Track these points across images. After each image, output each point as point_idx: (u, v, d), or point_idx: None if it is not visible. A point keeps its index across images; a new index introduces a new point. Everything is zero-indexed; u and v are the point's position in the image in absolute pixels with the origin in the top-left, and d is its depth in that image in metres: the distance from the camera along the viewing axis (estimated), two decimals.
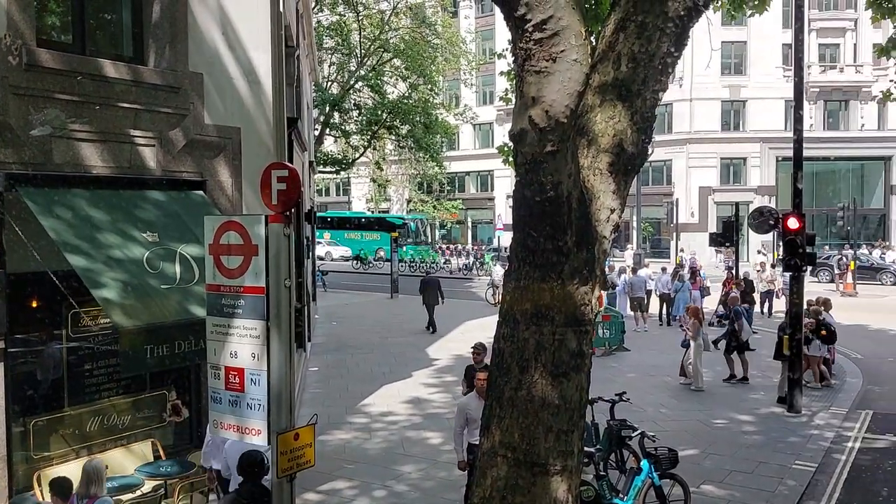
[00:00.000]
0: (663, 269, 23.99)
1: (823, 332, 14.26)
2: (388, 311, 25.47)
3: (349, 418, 12.08)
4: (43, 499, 6.80)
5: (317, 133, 30.92)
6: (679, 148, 46.70)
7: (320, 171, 34.20)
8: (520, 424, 4.42)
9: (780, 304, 22.05)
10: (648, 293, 22.23)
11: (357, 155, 36.67)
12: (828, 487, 9.30)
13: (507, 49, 7.10)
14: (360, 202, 62.08)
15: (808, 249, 12.92)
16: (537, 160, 4.03)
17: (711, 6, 10.06)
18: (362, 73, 32.98)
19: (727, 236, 21.74)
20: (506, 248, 31.65)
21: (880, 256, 37.83)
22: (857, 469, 10.00)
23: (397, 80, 34.97)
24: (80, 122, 7.30)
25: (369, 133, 34.19)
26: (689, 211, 45.46)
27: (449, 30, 37.65)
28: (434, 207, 55.59)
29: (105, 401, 8.01)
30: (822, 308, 15.14)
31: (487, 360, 8.27)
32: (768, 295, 23.85)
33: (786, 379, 12.98)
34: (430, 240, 55.23)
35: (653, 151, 5.18)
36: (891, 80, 13.79)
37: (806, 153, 13.30)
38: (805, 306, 13.87)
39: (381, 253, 44.64)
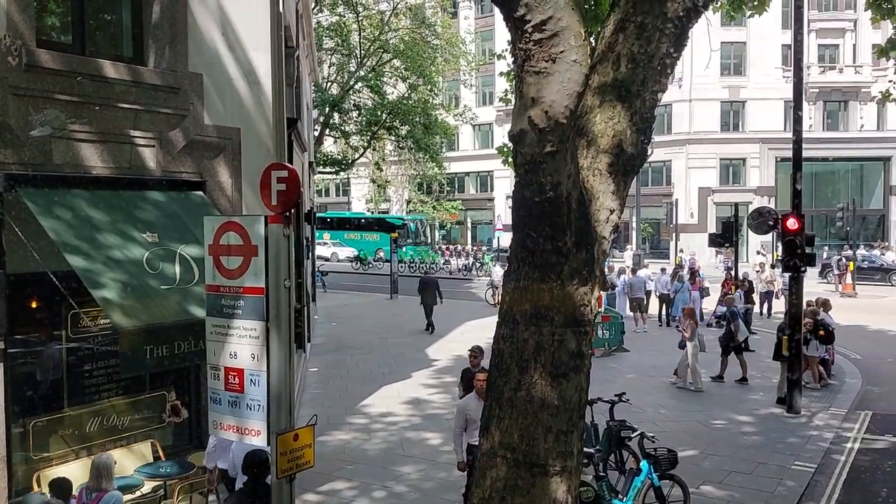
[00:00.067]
0: (663, 270, 23.99)
1: (821, 333, 14.27)
2: (388, 312, 25.46)
3: (349, 419, 12.08)
4: None
5: (316, 134, 30.92)
6: (678, 148, 46.71)
7: (320, 172, 34.20)
8: (519, 425, 4.42)
9: (779, 305, 22.07)
10: (648, 294, 22.23)
11: (357, 155, 36.68)
12: (827, 488, 9.31)
13: (506, 50, 7.12)
14: (359, 203, 62.08)
15: (808, 250, 12.94)
16: (537, 161, 4.04)
17: (711, 7, 10.07)
18: (362, 73, 32.99)
19: (726, 237, 21.74)
20: (505, 249, 31.65)
21: (880, 256, 37.83)
22: (857, 470, 10.00)
23: (397, 80, 34.97)
24: (79, 123, 7.30)
25: (369, 134, 34.19)
26: (688, 211, 45.49)
27: (448, 30, 37.65)
28: (434, 208, 55.59)
29: (105, 401, 8.01)
30: (822, 309, 15.15)
31: (484, 363, 8.30)
32: (768, 295, 23.87)
33: (785, 380, 12.98)
34: (429, 240, 55.23)
35: (652, 152, 5.19)
36: (890, 81, 13.81)
37: (805, 154, 13.31)
38: (805, 307, 13.88)
39: (381, 253, 44.66)
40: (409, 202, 58.08)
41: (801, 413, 12.49)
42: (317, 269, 27.56)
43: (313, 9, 26.78)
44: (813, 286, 26.08)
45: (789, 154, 13.46)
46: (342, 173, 41.97)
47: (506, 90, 15.33)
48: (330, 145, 41.37)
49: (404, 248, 43.84)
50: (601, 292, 4.67)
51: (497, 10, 4.36)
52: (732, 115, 47.47)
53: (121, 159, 7.70)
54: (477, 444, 5.29)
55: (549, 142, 3.95)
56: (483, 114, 51.46)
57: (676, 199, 42.45)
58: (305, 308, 15.94)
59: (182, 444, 8.63)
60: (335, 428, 11.49)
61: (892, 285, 33.46)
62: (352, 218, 53.60)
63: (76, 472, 7.18)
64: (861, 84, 46.08)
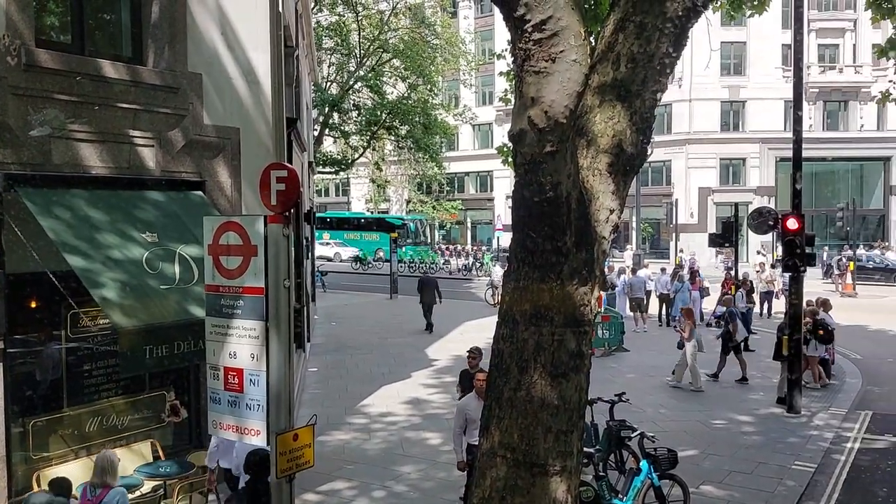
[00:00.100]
0: (663, 270, 23.99)
1: (821, 332, 14.27)
2: (388, 312, 25.45)
3: (348, 419, 12.07)
4: None
5: (316, 133, 30.91)
6: (678, 148, 46.71)
7: (319, 172, 34.20)
8: (519, 425, 4.42)
9: (779, 305, 22.06)
10: (648, 294, 22.23)
11: (356, 155, 36.68)
12: (827, 488, 9.30)
13: (506, 49, 7.12)
14: (359, 203, 62.07)
15: (808, 250, 12.94)
16: (536, 161, 4.03)
17: (710, 7, 10.07)
18: (361, 73, 32.98)
19: (726, 237, 21.74)
20: (506, 249, 31.65)
21: (883, 257, 37.82)
22: (857, 469, 10.00)
23: (396, 80, 34.96)
24: (79, 123, 7.30)
25: (368, 133, 34.19)
26: (688, 211, 45.49)
27: (448, 30, 37.64)
28: (433, 208, 55.58)
29: (104, 401, 8.01)
30: (822, 308, 15.15)
31: (483, 365, 8.28)
32: (768, 295, 23.87)
33: (785, 379, 12.98)
34: (429, 240, 55.23)
35: (652, 152, 5.19)
36: (890, 81, 13.80)
37: (805, 153, 13.30)
38: (805, 306, 13.88)
39: (381, 253, 44.65)
40: (408, 202, 58.07)
41: (802, 413, 12.49)
42: (316, 268, 27.56)
43: (313, 8, 26.77)
44: (815, 286, 26.08)
45: (789, 154, 13.46)
46: (342, 173, 41.97)
47: (505, 90, 15.32)
48: (329, 145, 41.36)
49: (404, 248, 43.83)
50: (601, 292, 4.67)
51: (497, 10, 4.36)
52: (732, 114, 47.47)
53: (120, 159, 7.70)
54: (477, 443, 5.29)
55: (549, 142, 3.94)
56: (483, 114, 51.45)
57: (676, 199, 42.44)
58: (305, 308, 15.94)
59: (182, 444, 8.63)
60: (335, 428, 11.49)
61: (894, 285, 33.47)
62: (351, 218, 53.59)
63: (76, 471, 7.18)
64: (861, 84, 46.08)
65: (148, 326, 6.28)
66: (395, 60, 33.41)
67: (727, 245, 22.49)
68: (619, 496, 7.80)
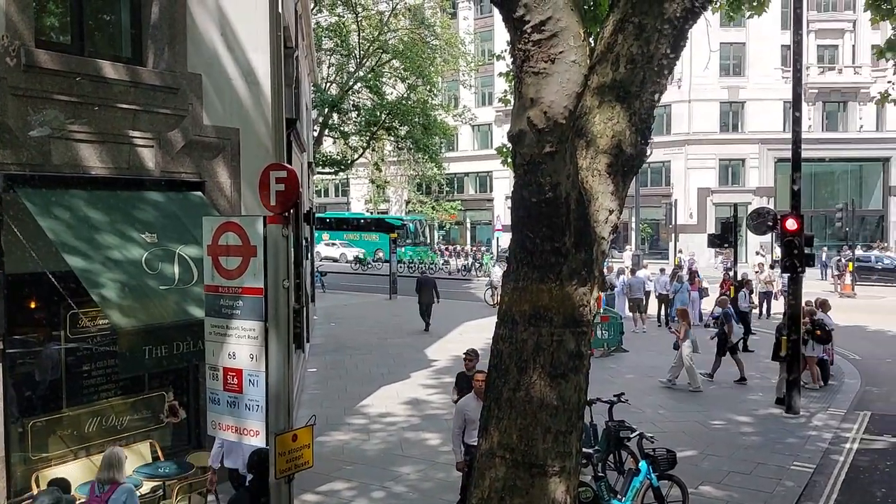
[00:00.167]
0: (662, 271, 24.00)
1: (818, 332, 14.28)
2: (387, 312, 25.46)
3: (348, 419, 12.07)
4: None
5: (315, 134, 30.92)
6: (678, 149, 46.73)
7: (319, 172, 34.20)
8: (518, 425, 4.42)
9: (778, 306, 22.07)
10: (647, 294, 22.24)
11: (356, 156, 36.67)
12: (826, 488, 9.31)
13: (505, 50, 7.12)
14: (358, 203, 62.06)
15: (807, 250, 12.95)
16: (536, 161, 4.04)
17: (709, 8, 10.07)
18: (361, 74, 32.98)
19: (725, 237, 21.76)
20: (506, 249, 31.64)
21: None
22: (855, 470, 10.01)
23: (396, 81, 34.96)
24: (78, 123, 7.30)
25: (368, 134, 34.19)
26: (687, 212, 45.50)
27: (448, 31, 37.65)
28: (433, 208, 55.58)
29: (103, 402, 8.01)
30: (820, 309, 15.15)
31: (480, 366, 8.27)
32: (766, 296, 23.88)
33: (784, 380, 12.99)
34: (428, 241, 55.22)
35: (651, 152, 5.20)
36: (889, 82, 13.80)
37: (804, 154, 13.32)
38: (804, 307, 13.89)
39: (380, 254, 44.64)
40: (408, 202, 58.06)
41: (800, 413, 12.50)
42: (316, 269, 27.56)
43: (312, 9, 26.77)
44: (813, 286, 26.07)
45: (788, 154, 13.48)
46: (341, 174, 41.95)
47: (505, 91, 15.33)
48: (329, 146, 41.36)
49: (403, 249, 43.83)
50: (600, 293, 4.67)
51: (496, 11, 4.37)
52: (732, 115, 47.48)
53: (119, 160, 7.70)
54: (476, 444, 5.29)
55: (548, 142, 3.95)
56: (482, 114, 51.46)
57: (676, 200, 42.42)
58: (304, 308, 15.94)
59: (181, 445, 8.63)
60: (334, 428, 11.49)
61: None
62: (351, 218, 53.57)
63: (75, 472, 7.19)
64: (860, 85, 46.11)
65: (147, 327, 6.29)
66: (394, 61, 33.41)
67: (726, 246, 22.50)
68: (618, 497, 7.80)
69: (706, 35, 18.81)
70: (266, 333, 5.15)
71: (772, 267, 25.06)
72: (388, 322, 22.96)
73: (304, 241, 16.56)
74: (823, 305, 15.42)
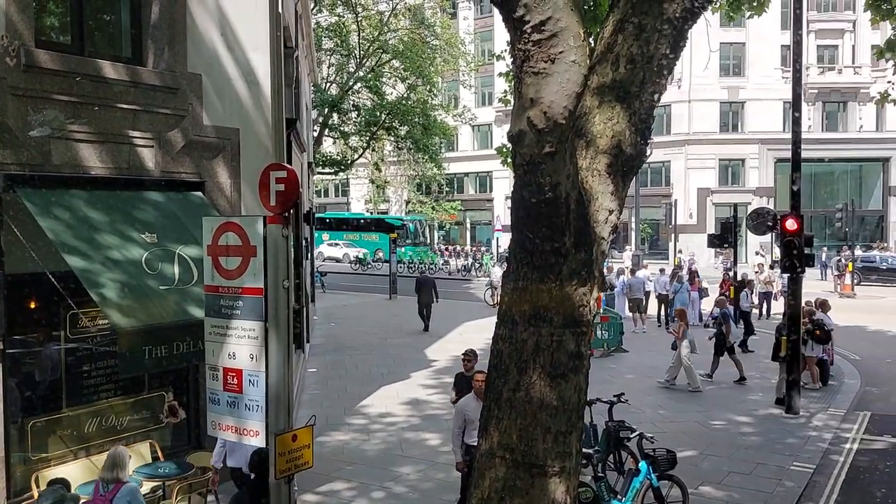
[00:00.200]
0: (662, 271, 24.00)
1: (818, 332, 14.28)
2: (387, 312, 25.46)
3: (347, 419, 12.07)
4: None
5: (315, 134, 30.92)
6: (678, 149, 46.73)
7: (319, 172, 34.20)
8: (518, 426, 4.42)
9: (778, 306, 22.07)
10: (647, 294, 22.24)
11: (356, 156, 36.68)
12: (826, 488, 9.31)
13: (505, 50, 7.12)
14: (358, 203, 62.06)
15: (806, 251, 12.95)
16: (536, 161, 4.04)
17: (709, 8, 10.07)
18: (361, 74, 32.99)
19: (725, 238, 21.76)
20: (506, 250, 31.65)
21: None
22: (855, 470, 10.01)
23: (396, 81, 34.96)
24: (78, 123, 7.30)
25: (368, 134, 34.20)
26: (687, 212, 45.50)
27: (448, 31, 37.65)
28: (433, 208, 55.59)
29: (103, 402, 8.01)
30: (820, 309, 15.15)
31: (479, 367, 8.26)
32: (766, 296, 23.88)
33: (784, 380, 12.99)
34: (428, 241, 55.23)
35: (651, 153, 5.20)
36: (889, 82, 13.81)
37: (804, 154, 13.32)
38: (804, 307, 13.89)
39: (380, 254, 44.64)
40: (408, 203, 58.06)
41: (800, 413, 12.49)
42: (316, 269, 27.55)
43: (312, 9, 26.78)
44: (813, 286, 26.07)
45: (788, 155, 13.48)
46: (341, 174, 41.95)
47: (505, 91, 15.33)
48: (329, 146, 41.36)
49: (403, 249, 43.83)
50: (600, 293, 4.67)
51: (496, 11, 4.37)
52: (731, 115, 47.48)
53: (119, 160, 7.70)
54: (476, 444, 5.29)
55: (548, 142, 3.95)
56: (482, 114, 51.46)
57: (675, 200, 42.42)
58: (304, 308, 15.94)
59: (180, 445, 8.63)
60: (334, 428, 11.49)
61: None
62: (351, 218, 53.57)
63: (74, 472, 7.18)
64: (860, 85, 46.11)
65: (147, 327, 6.29)
66: (394, 61, 33.42)
67: (726, 246, 22.51)
68: (618, 497, 7.80)
69: (706, 35, 18.79)
70: (266, 333, 5.16)
71: (771, 267, 25.06)
72: (387, 322, 22.96)
73: (304, 241, 16.56)
74: (823, 305, 15.43)
